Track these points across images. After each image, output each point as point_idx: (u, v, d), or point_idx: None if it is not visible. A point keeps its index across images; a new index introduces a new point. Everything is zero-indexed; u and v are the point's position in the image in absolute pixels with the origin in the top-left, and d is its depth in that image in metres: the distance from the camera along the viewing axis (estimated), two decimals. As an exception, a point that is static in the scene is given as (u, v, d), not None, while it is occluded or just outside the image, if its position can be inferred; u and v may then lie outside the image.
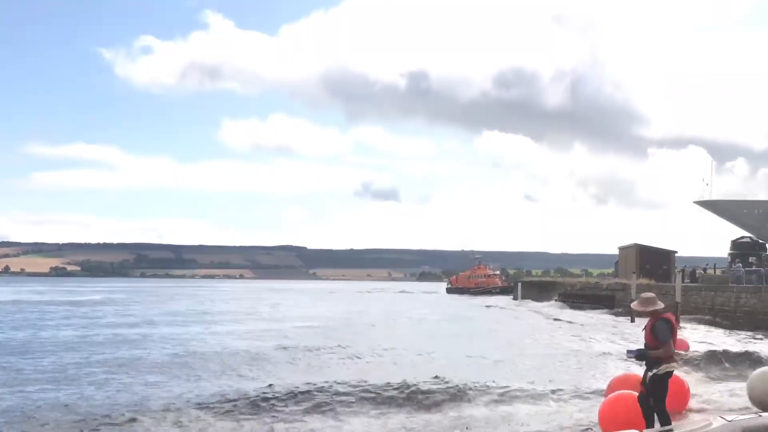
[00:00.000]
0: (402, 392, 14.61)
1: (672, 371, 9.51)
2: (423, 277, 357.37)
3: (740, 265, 47.13)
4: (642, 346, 9.56)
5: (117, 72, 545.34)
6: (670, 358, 9.30)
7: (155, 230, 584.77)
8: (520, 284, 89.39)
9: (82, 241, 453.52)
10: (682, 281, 43.77)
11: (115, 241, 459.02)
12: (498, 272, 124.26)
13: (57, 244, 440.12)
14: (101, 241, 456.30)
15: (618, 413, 10.58)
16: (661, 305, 9.43)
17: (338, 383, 15.44)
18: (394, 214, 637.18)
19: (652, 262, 58.60)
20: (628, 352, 9.70)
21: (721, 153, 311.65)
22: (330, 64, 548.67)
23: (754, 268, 45.64)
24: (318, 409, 13.53)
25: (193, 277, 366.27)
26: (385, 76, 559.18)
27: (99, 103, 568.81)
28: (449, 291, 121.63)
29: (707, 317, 40.96)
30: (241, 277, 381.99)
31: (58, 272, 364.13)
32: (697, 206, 75.10)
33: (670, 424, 9.18)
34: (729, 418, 9.51)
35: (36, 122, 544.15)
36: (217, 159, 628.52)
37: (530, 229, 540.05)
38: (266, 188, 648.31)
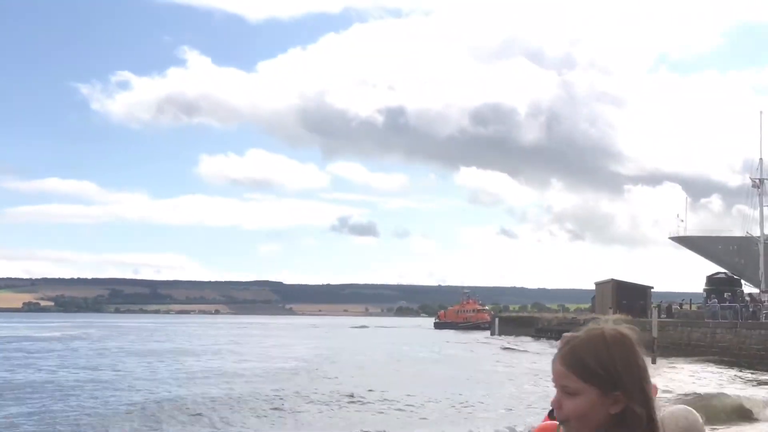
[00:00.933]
0: None
1: None
2: (400, 312, 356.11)
3: (716, 300, 47.45)
4: None
5: (93, 107, 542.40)
6: None
7: (131, 265, 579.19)
8: (497, 319, 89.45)
9: (56, 276, 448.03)
10: (659, 316, 43.96)
11: (90, 277, 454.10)
12: (487, 307, 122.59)
13: (30, 279, 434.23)
14: (75, 276, 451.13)
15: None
16: None
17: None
18: (371, 249, 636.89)
19: (628, 298, 58.83)
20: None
21: (696, 189, 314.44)
22: (307, 100, 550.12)
23: (729, 303, 45.92)
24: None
25: (167, 312, 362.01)
26: (363, 111, 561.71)
27: (74, 137, 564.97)
28: (437, 326, 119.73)
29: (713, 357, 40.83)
30: (217, 312, 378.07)
31: (30, 308, 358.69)
32: (672, 242, 75.92)
33: None
34: None
35: (10, 156, 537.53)
36: (194, 194, 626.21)
37: (507, 265, 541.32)
38: (243, 223, 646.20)
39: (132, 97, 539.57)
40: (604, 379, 2.05)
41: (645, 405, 2.07)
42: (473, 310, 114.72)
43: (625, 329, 2.16)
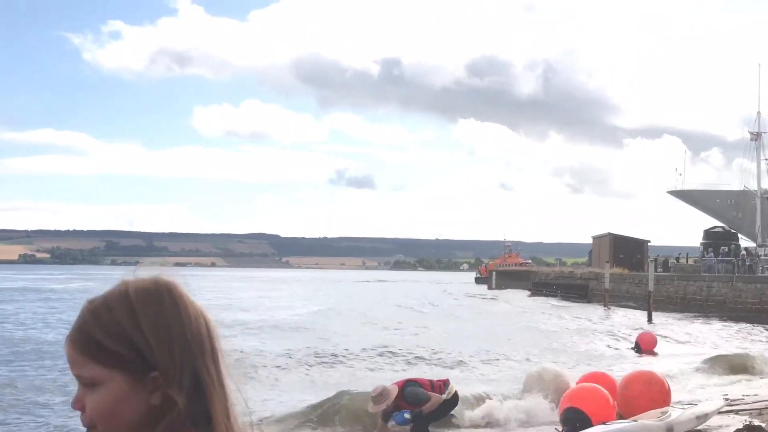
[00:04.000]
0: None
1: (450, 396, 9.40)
2: (397, 266, 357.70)
3: (712, 254, 47.51)
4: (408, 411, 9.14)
5: (85, 57, 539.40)
6: (440, 401, 9.19)
7: (126, 217, 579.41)
8: (494, 273, 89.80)
9: (52, 228, 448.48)
10: (655, 270, 44.03)
11: (85, 228, 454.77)
12: (530, 261, 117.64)
13: (26, 231, 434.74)
14: (71, 228, 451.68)
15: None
16: (393, 395, 8.99)
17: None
18: (368, 202, 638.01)
19: (625, 252, 58.98)
20: (397, 419, 9.10)
21: (696, 143, 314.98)
22: (301, 51, 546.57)
23: (725, 257, 46.00)
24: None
25: (164, 265, 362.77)
26: (357, 62, 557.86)
27: (67, 88, 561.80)
28: (479, 281, 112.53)
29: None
30: (213, 265, 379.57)
31: (26, 259, 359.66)
32: (670, 196, 75.82)
33: None
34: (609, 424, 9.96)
35: (2, 108, 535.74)
36: (189, 145, 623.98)
37: (505, 218, 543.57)
38: (239, 175, 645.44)
39: (124, 48, 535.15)
40: (129, 359, 1.37)
41: (198, 391, 1.37)
42: (516, 265, 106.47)
43: (165, 278, 1.44)
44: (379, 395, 8.93)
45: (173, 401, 1.36)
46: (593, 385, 11.05)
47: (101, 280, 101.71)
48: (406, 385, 9.18)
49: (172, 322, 1.39)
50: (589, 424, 9.91)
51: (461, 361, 19.21)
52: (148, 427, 1.37)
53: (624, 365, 18.28)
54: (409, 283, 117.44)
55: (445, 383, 9.52)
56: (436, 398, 9.12)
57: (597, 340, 26.65)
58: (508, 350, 21.71)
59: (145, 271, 1.45)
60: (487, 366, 18.76)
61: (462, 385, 11.73)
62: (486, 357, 20.20)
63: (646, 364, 18.18)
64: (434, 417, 9.29)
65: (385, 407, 8.94)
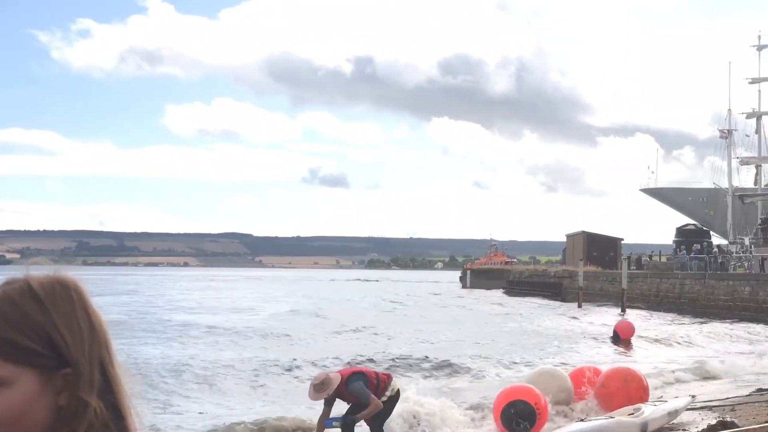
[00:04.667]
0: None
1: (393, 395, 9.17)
2: (371, 264, 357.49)
3: (685, 252, 47.83)
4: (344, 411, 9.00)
5: (53, 55, 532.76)
6: (378, 409, 8.87)
7: (97, 217, 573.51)
8: (469, 272, 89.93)
9: (22, 228, 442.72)
10: (628, 268, 44.25)
11: (56, 228, 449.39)
12: (515, 260, 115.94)
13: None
14: (41, 228, 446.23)
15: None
16: (335, 384, 8.74)
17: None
18: (342, 200, 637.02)
19: (599, 249, 59.22)
20: (332, 420, 8.84)
21: (669, 141, 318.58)
22: (272, 49, 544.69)
23: (698, 255, 46.31)
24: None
25: (136, 265, 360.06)
26: (329, 61, 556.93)
27: (35, 87, 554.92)
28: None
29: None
30: (186, 264, 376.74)
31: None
32: (643, 194, 76.38)
33: None
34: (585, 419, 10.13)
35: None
36: (161, 144, 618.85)
37: (479, 217, 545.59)
38: (211, 174, 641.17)
39: (93, 46, 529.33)
40: (43, 355, 1.28)
41: (106, 391, 1.31)
42: (501, 263, 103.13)
43: (66, 275, 1.38)
44: (321, 383, 8.67)
45: (83, 403, 1.28)
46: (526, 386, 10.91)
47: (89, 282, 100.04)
48: (352, 377, 8.87)
49: (81, 318, 1.33)
50: (534, 416, 9.87)
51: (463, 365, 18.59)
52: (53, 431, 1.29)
53: (601, 359, 18.21)
54: (389, 282, 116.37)
55: (389, 377, 9.25)
56: (376, 405, 8.74)
57: (574, 336, 26.65)
58: (493, 351, 21.46)
59: (39, 269, 1.37)
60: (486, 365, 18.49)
61: (471, 393, 11.39)
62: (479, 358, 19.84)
63: (624, 360, 18.06)
64: (380, 417, 8.97)
65: (326, 396, 8.70)
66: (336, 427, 8.78)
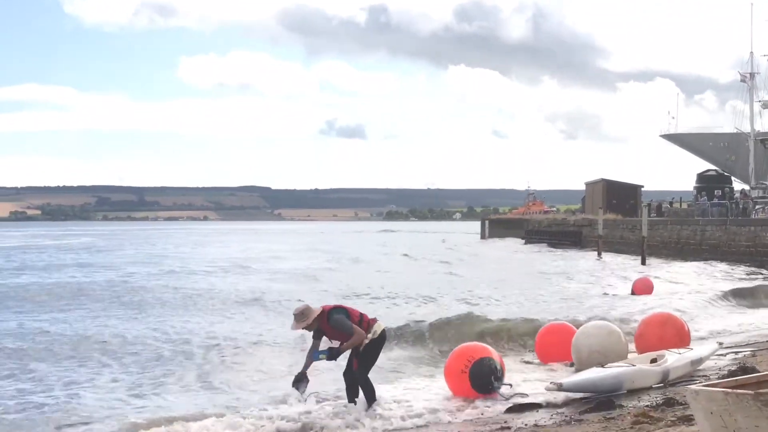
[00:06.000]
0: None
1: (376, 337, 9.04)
2: (390, 216, 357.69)
3: (705, 198, 47.34)
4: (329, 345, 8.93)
5: (66, 10, 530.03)
6: (363, 339, 8.82)
7: (116, 172, 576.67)
8: (487, 222, 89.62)
9: (41, 185, 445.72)
10: (649, 215, 43.89)
11: (75, 184, 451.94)
12: (555, 208, 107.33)
13: (15, 188, 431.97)
14: (61, 184, 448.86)
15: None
16: (314, 314, 8.71)
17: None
18: (359, 152, 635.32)
19: (618, 197, 58.72)
20: (318, 353, 8.84)
21: (689, 86, 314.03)
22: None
23: (719, 201, 45.83)
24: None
25: (156, 219, 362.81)
26: (343, 11, 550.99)
27: (49, 42, 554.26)
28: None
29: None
30: (205, 218, 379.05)
31: (17, 216, 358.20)
32: (663, 140, 75.50)
33: (375, 398, 8.96)
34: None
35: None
36: (177, 97, 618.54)
37: (498, 166, 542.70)
38: (229, 127, 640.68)
39: (105, 0, 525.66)
40: None
41: None
42: (540, 212, 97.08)
43: None
44: (301, 313, 8.75)
45: None
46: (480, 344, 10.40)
47: (104, 236, 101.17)
48: (334, 310, 8.91)
49: None
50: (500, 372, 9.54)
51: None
52: None
53: (619, 309, 18.04)
54: (418, 234, 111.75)
55: (374, 320, 9.13)
56: (360, 335, 8.74)
57: (591, 286, 26.52)
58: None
59: None
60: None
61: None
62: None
63: (652, 306, 17.71)
64: (365, 361, 8.94)
65: (305, 325, 8.74)
66: (322, 359, 8.88)
